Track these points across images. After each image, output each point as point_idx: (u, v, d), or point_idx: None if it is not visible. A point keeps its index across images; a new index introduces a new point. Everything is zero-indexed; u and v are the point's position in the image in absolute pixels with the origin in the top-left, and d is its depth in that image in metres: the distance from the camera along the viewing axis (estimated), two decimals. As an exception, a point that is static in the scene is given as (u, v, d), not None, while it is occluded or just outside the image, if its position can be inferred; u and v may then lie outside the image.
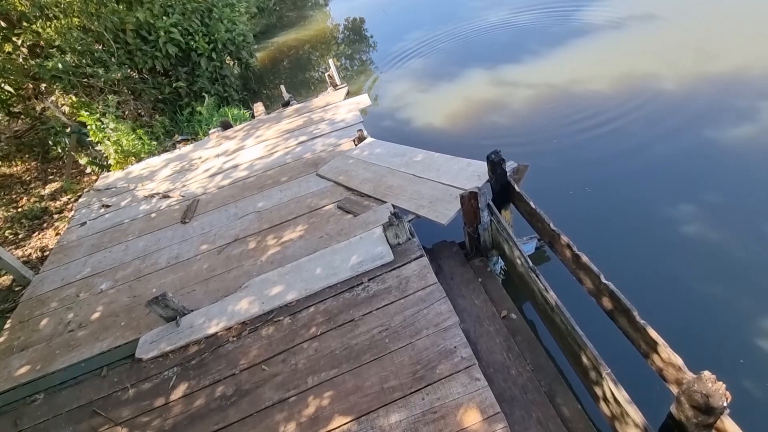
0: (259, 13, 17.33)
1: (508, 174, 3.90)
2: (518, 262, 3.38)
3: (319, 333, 3.28)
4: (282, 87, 7.83)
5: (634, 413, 2.23)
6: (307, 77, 11.90)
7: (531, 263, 3.13)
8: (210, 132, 7.46)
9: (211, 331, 3.61)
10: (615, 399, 2.39)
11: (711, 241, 4.16)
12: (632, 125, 5.80)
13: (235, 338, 3.51)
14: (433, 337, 2.95)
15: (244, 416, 2.92)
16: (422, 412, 2.58)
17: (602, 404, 2.61)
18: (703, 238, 4.20)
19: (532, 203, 3.54)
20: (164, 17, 9.18)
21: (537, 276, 3.04)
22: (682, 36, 7.23)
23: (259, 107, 7.80)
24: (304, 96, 9.35)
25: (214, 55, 9.89)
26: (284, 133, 6.55)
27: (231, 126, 7.40)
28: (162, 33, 9.09)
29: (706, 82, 6.02)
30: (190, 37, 9.59)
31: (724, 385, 1.95)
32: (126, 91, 9.52)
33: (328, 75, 7.41)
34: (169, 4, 9.48)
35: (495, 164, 3.70)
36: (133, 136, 7.35)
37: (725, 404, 1.94)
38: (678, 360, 2.29)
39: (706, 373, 2.00)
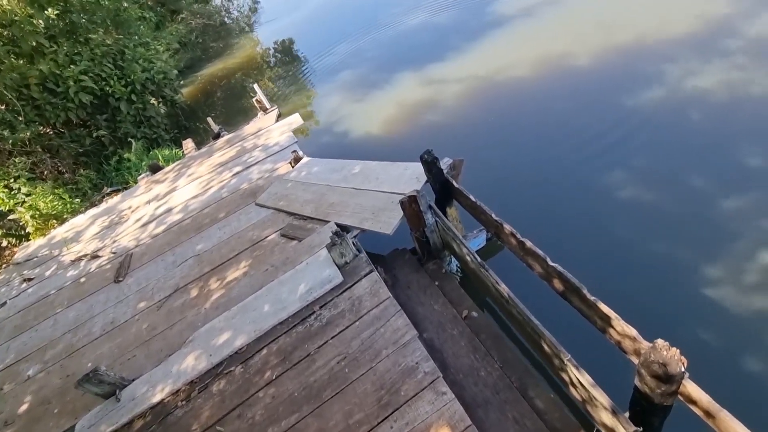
0: (182, 48, 16.75)
1: (444, 171, 3.83)
2: (468, 259, 3.30)
3: (274, 377, 3.02)
4: (209, 119, 7.48)
5: (600, 396, 2.16)
6: (241, 105, 11.51)
7: (479, 259, 3.05)
8: (139, 178, 6.96)
9: (156, 399, 3.23)
10: (581, 383, 2.32)
11: (644, 201, 4.31)
12: (555, 103, 6.00)
13: (183, 402, 3.17)
14: (393, 357, 2.78)
15: (202, 490, 2.60)
16: (392, 441, 2.39)
17: (572, 389, 2.54)
18: (637, 200, 4.34)
19: (471, 197, 3.48)
20: (71, 66, 8.57)
21: (487, 271, 2.95)
22: (586, 15, 7.65)
23: (188, 144, 7.40)
24: (238, 124, 9.02)
25: (134, 97, 9.33)
26: (217, 167, 6.22)
27: (160, 168, 6.95)
28: (71, 82, 8.46)
29: (615, 53, 6.36)
30: (104, 82, 9.01)
31: (678, 351, 1.91)
32: (40, 149, 8.75)
33: (256, 100, 7.16)
34: (75, 52, 8.88)
35: (429, 164, 3.62)
36: (52, 196, 6.70)
37: (683, 369, 1.91)
38: (632, 331, 2.25)
39: (660, 342, 1.96)
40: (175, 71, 11.84)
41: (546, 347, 2.56)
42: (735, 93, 4.98)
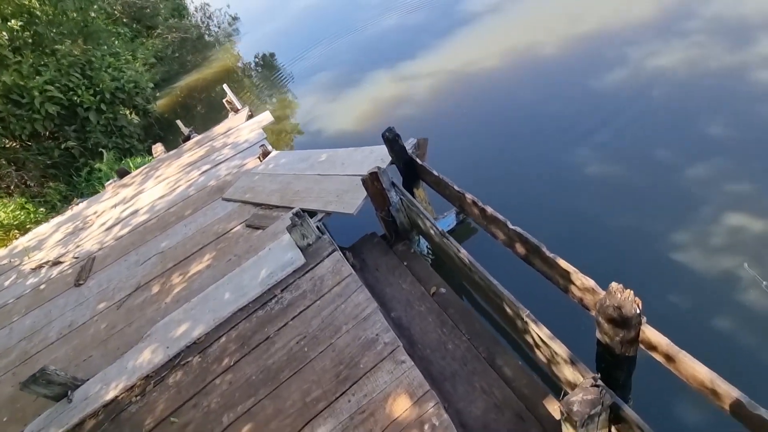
0: (159, 62, 16.64)
1: (409, 151, 3.77)
2: (432, 232, 3.22)
3: (232, 363, 2.86)
4: (179, 122, 7.35)
5: (559, 348, 2.08)
6: (219, 115, 11.36)
7: (441, 228, 2.98)
8: (106, 184, 6.77)
9: (110, 396, 3.04)
10: (542, 341, 2.23)
11: (612, 174, 4.31)
12: (524, 90, 6.06)
13: (138, 397, 2.98)
14: (354, 331, 2.66)
15: (151, 484, 2.42)
16: (350, 416, 2.25)
17: (537, 352, 2.45)
18: (605, 173, 4.35)
19: (435, 172, 3.42)
20: (37, 77, 8.39)
21: (449, 240, 2.87)
22: (550, 8, 7.83)
23: (158, 148, 7.25)
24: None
25: (103, 107, 9.17)
26: (186, 167, 6.08)
27: (128, 173, 6.76)
28: (36, 93, 8.28)
29: (578, 41, 6.47)
30: (72, 92, 8.84)
31: (632, 292, 1.85)
32: (5, 162, 8.50)
33: (226, 100, 7.08)
34: (41, 63, 8.71)
35: (391, 141, 3.56)
36: (13, 206, 6.46)
37: (638, 311, 1.84)
38: (590, 282, 2.18)
39: (614, 284, 1.89)
40: (151, 84, 11.72)
41: (508, 309, 2.47)
42: (695, 69, 5.08)
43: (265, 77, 11.96)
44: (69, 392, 3.19)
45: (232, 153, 5.82)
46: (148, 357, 3.20)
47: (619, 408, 1.77)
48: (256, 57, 14.26)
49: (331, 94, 8.60)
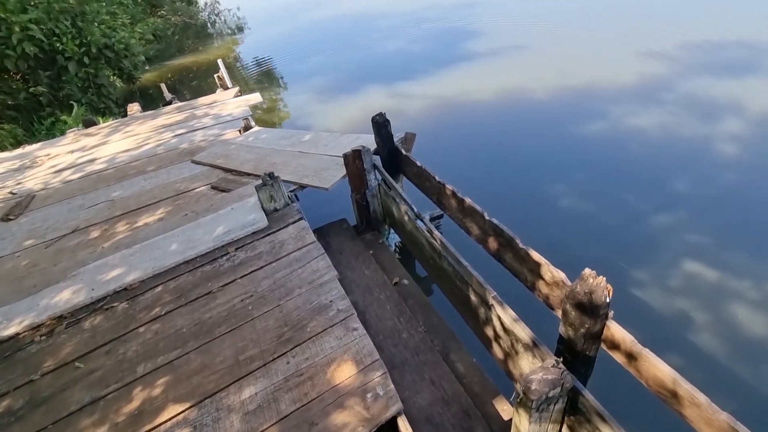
0: (157, 41, 16.33)
1: (395, 140, 3.73)
2: (405, 218, 3.12)
3: (163, 313, 2.56)
4: (162, 85, 7.07)
5: (521, 331, 1.97)
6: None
7: (416, 210, 2.88)
8: (68, 131, 6.30)
9: (9, 332, 2.62)
10: (504, 328, 2.12)
11: (584, 211, 4.42)
12: (511, 126, 6.31)
13: (44, 337, 2.58)
14: (306, 295, 2.45)
15: None
16: (285, 377, 2.01)
17: (495, 346, 2.33)
18: (577, 208, 4.46)
19: (418, 162, 3.37)
20: (21, 14, 7.95)
21: (422, 221, 2.78)
22: (545, 60, 8.36)
23: (134, 106, 6.89)
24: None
25: (86, 60, 8.74)
26: (160, 128, 5.77)
27: (95, 124, 6.35)
28: (17, 29, 7.80)
29: (566, 92, 6.89)
30: (56, 38, 8.40)
31: (604, 279, 1.80)
32: (-40, 91, 7.83)
33: (218, 76, 6.91)
34: (30, 3, 8.30)
35: (380, 125, 3.51)
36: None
37: (608, 299, 1.78)
38: (561, 274, 2.13)
39: (587, 270, 1.83)
40: (142, 57, 11.35)
41: (473, 295, 2.36)
42: (667, 133, 5.46)
43: (261, 72, 11.90)
44: (-41, 323, 2.73)
45: (213, 123, 5.60)
46: (66, 297, 2.82)
47: (579, 393, 1.66)
48: (255, 53, 14.28)
49: (324, 97, 8.62)
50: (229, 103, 6.22)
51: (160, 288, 2.76)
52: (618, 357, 1.90)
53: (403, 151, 3.60)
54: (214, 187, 3.94)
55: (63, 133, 7.78)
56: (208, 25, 20.86)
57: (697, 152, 5.00)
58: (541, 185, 5.00)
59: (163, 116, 6.23)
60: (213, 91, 7.22)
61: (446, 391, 2.37)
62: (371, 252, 3.52)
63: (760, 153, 4.88)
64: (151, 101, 11.31)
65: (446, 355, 2.58)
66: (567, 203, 4.59)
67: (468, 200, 2.82)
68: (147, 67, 13.52)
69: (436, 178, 3.12)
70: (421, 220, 2.83)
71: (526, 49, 9.04)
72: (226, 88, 6.99)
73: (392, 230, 3.85)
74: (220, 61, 6.85)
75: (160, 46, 16.34)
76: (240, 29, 19.52)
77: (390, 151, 3.71)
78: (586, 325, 1.87)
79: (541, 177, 5.15)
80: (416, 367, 2.51)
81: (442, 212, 3.30)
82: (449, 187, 2.99)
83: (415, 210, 2.89)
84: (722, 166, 4.70)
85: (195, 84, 12.31)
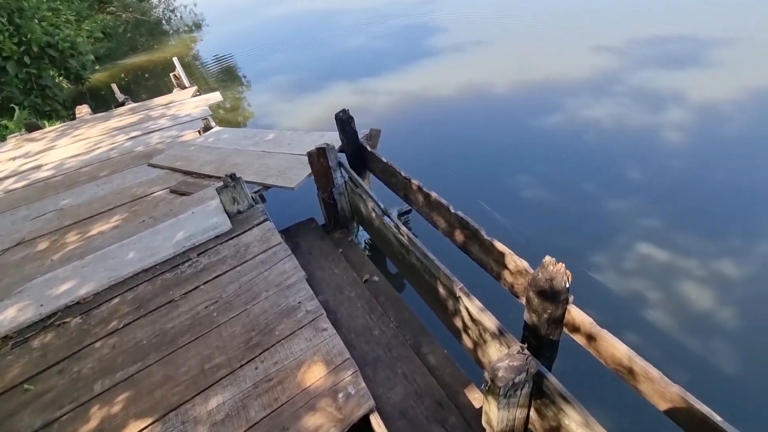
0: (106, 38, 15.43)
1: (360, 139, 3.71)
2: (373, 215, 3.12)
3: (121, 326, 2.43)
4: (113, 86, 6.69)
5: (488, 320, 2.01)
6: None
7: (383, 206, 2.88)
8: (9, 137, 5.85)
9: (-54, 357, 2.40)
10: (472, 318, 2.16)
11: (544, 200, 4.59)
12: (474, 119, 6.44)
13: (-14, 360, 2.39)
14: (273, 298, 2.40)
15: (-24, 462, 1.88)
16: (254, 384, 1.96)
17: (464, 336, 2.37)
18: (539, 198, 4.62)
19: (384, 158, 3.37)
20: (-52, 9, 7.30)
21: (389, 217, 2.78)
22: (504, 56, 8.60)
23: (83, 108, 6.49)
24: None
25: (27, 60, 8.14)
26: (112, 131, 5.47)
27: (39, 128, 5.93)
28: (-57, 26, 7.16)
29: (526, 86, 7.11)
30: (-11, 36, 7.76)
31: (564, 265, 1.86)
32: None
33: (174, 75, 6.62)
34: (-42, -2, 7.62)
35: (344, 122, 3.48)
36: None
37: (567, 284, 1.85)
38: (524, 263, 2.19)
39: (547, 258, 1.89)
40: (91, 56, 10.68)
41: (441, 288, 2.39)
42: (618, 123, 5.74)
43: (222, 70, 11.50)
44: None
45: (170, 124, 5.36)
46: (11, 315, 2.62)
47: (544, 377, 1.72)
48: (215, 51, 13.80)
49: (289, 95, 8.46)
50: (187, 103, 5.97)
51: (117, 300, 2.62)
52: (579, 339, 1.98)
53: (369, 148, 3.58)
54: (173, 191, 3.77)
55: (3, 138, 7.23)
56: (163, 22, 19.98)
57: (646, 141, 5.28)
58: (504, 177, 5.13)
59: (115, 118, 5.90)
60: (170, 91, 6.92)
61: (419, 384, 2.39)
62: (341, 250, 3.49)
63: (703, 140, 5.23)
64: (103, 102, 10.69)
65: (418, 348, 2.60)
66: (529, 194, 4.74)
67: (434, 194, 2.85)
68: (97, 67, 12.78)
69: (402, 173, 3.14)
70: (389, 216, 2.83)
71: (486, 45, 9.24)
72: (183, 87, 6.71)
73: (361, 228, 3.83)
74: (175, 59, 6.56)
75: (111, 45, 15.49)
76: (197, 26, 18.78)
77: (355, 148, 3.69)
78: (549, 311, 1.94)
79: (505, 169, 5.28)
80: (389, 363, 2.51)
81: (410, 207, 3.32)
82: (415, 182, 3.01)
83: (382, 206, 2.89)
84: (669, 153, 5.00)
85: (152, 83, 11.76)
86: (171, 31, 18.28)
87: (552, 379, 1.71)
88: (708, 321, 3.17)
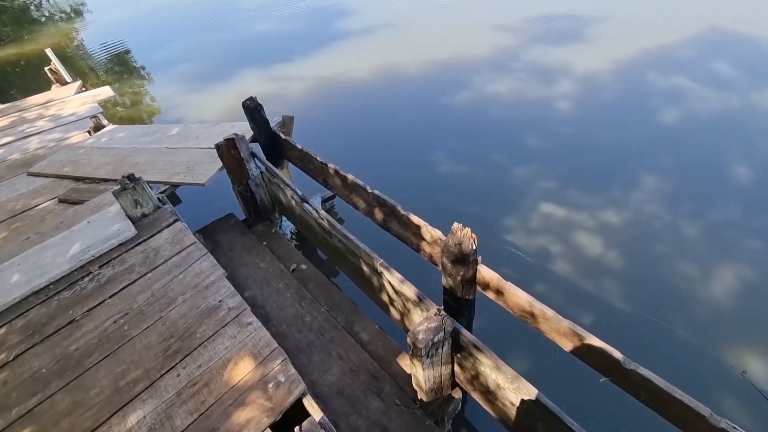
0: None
1: (273, 125, 3.59)
2: (293, 203, 3.07)
3: (12, 357, 2.14)
4: (-30, 86, 5.64)
5: (408, 290, 2.13)
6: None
7: (301, 194, 2.86)
8: None
9: None
10: (395, 290, 2.27)
11: (458, 172, 4.88)
12: (389, 100, 6.57)
13: None
14: (192, 300, 2.28)
15: None
16: (177, 392, 1.87)
17: (392, 309, 2.48)
18: (454, 172, 4.90)
19: (299, 145, 3.31)
20: None
21: (309, 204, 2.77)
22: (414, 37, 8.81)
23: (-69, 115, 5.39)
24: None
25: None
26: (-25, 139, 4.65)
27: None
28: None
29: (435, 66, 7.39)
30: None
31: (470, 229, 2.02)
32: None
33: (50, 69, 5.77)
34: None
35: (252, 110, 3.34)
36: None
37: (474, 247, 2.00)
38: (438, 233, 2.33)
39: (455, 225, 2.03)
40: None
41: (364, 266, 2.46)
42: (518, 96, 6.25)
43: (114, 62, 10.25)
44: None
45: (51, 126, 4.71)
46: None
47: (459, 332, 1.87)
48: (103, 39, 12.21)
49: (195, 85, 7.84)
50: (70, 100, 5.26)
51: (3, 330, 2.30)
52: (490, 294, 2.18)
53: (282, 135, 3.49)
54: (62, 201, 3.35)
55: None
56: (32, 8, 17.16)
57: (541, 111, 5.83)
58: (420, 155, 5.34)
59: (-23, 124, 5.02)
60: (49, 88, 6.02)
61: (353, 361, 2.46)
62: (265, 243, 3.40)
63: (585, 107, 5.91)
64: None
65: (351, 328, 2.66)
66: (444, 168, 4.99)
67: (350, 176, 2.88)
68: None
69: (318, 159, 3.11)
70: (308, 203, 2.81)
71: (396, 26, 9.36)
72: (64, 83, 5.88)
73: (284, 218, 3.76)
74: (49, 51, 5.70)
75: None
76: (77, 13, 16.41)
77: (268, 137, 3.57)
78: (461, 273, 2.10)
79: (420, 147, 5.49)
80: (323, 347, 2.54)
81: (334, 192, 3.32)
82: (331, 166, 3.01)
83: (300, 194, 2.86)
84: (559, 120, 5.59)
85: (26, 80, 10.11)
86: (44, 19, 15.76)
87: (466, 333, 1.87)
88: (598, 264, 3.66)
